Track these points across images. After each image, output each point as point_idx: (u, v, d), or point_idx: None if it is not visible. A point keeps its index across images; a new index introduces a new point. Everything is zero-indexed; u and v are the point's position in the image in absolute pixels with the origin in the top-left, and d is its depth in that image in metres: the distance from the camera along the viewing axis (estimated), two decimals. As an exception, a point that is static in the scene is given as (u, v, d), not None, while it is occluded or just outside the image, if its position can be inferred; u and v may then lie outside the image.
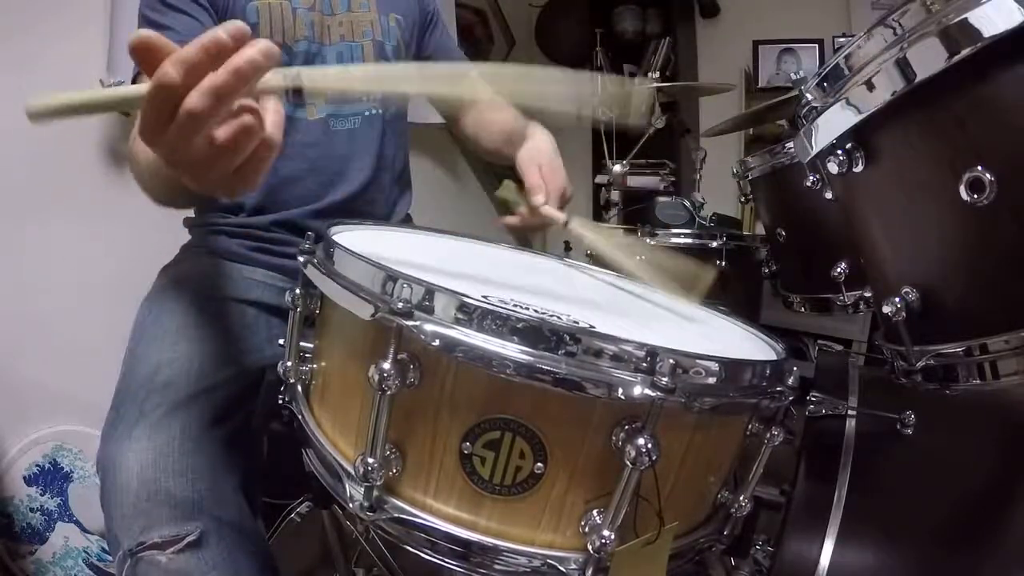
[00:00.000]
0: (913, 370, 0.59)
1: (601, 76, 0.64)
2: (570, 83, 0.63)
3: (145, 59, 0.42)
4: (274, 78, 0.48)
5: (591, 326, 0.54)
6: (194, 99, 0.41)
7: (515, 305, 0.55)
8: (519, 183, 0.95)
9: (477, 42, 2.88)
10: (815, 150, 0.61)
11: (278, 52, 0.45)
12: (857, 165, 0.57)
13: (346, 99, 0.63)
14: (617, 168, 1.86)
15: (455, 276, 0.69)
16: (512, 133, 1.04)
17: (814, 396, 0.82)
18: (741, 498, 0.61)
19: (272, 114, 0.47)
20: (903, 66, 0.50)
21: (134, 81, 0.88)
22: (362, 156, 0.99)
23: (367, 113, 1.00)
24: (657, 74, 1.79)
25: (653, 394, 0.46)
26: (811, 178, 0.66)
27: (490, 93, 0.64)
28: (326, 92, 0.54)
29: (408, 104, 1.10)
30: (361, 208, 0.98)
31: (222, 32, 0.42)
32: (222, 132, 0.43)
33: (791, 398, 0.57)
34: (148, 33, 0.42)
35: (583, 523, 0.52)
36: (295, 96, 0.50)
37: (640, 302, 0.85)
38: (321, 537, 1.11)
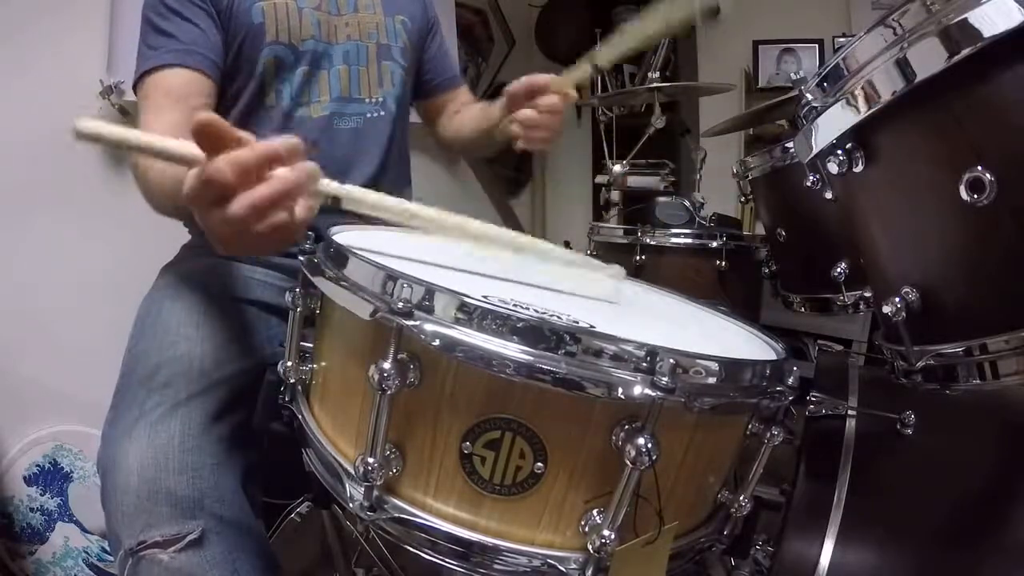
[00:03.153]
0: (913, 370, 0.59)
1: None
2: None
3: (204, 142, 0.48)
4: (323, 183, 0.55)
5: (591, 326, 0.54)
6: (237, 209, 0.47)
7: (515, 305, 0.55)
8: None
9: (477, 42, 2.88)
10: (815, 150, 0.61)
11: (319, 172, 0.53)
12: (857, 165, 0.57)
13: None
14: (617, 168, 1.86)
15: (455, 276, 0.69)
16: (484, 109, 1.10)
17: (814, 396, 0.82)
18: (741, 498, 0.61)
19: (303, 210, 0.52)
20: (903, 66, 0.50)
21: (134, 87, 0.87)
22: (366, 155, 0.99)
23: (370, 114, 1.00)
24: (657, 74, 1.79)
25: (653, 394, 0.46)
26: (811, 178, 0.66)
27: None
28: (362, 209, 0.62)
29: (408, 104, 1.10)
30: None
31: (279, 146, 0.49)
32: (260, 226, 0.49)
33: (791, 398, 0.57)
34: (212, 118, 0.47)
35: (583, 523, 0.52)
36: (333, 202, 0.58)
37: (640, 302, 0.84)
38: (321, 537, 1.11)
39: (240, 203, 0.48)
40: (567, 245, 2.08)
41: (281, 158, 0.49)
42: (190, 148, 0.49)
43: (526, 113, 0.93)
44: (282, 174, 0.50)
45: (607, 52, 0.86)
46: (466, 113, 1.17)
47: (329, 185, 0.57)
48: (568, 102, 0.93)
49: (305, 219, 0.53)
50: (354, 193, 0.59)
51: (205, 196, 0.48)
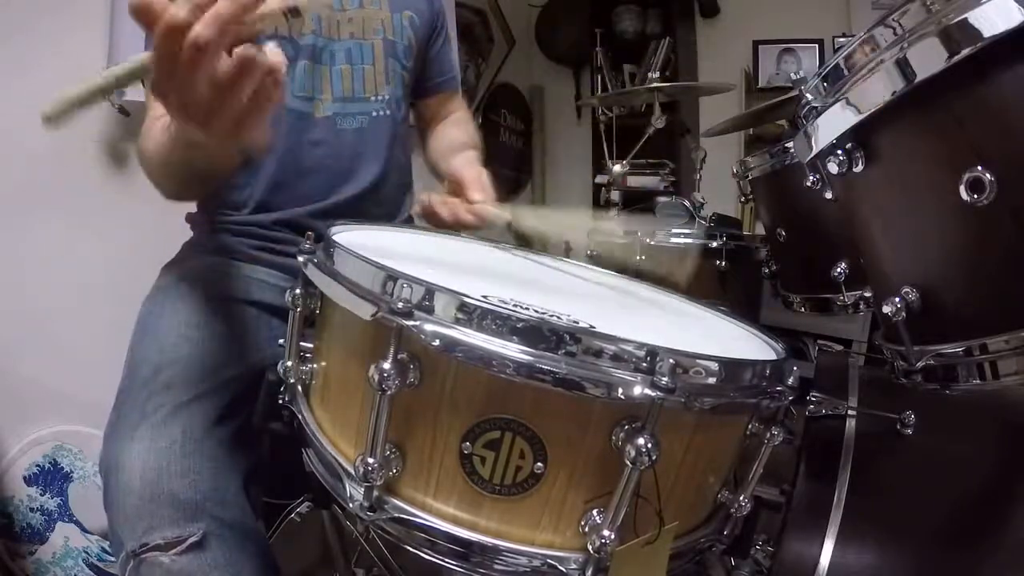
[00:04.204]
0: (913, 370, 0.59)
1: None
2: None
3: (148, 19, 0.45)
4: (272, 2, 0.50)
5: (591, 326, 0.54)
6: (198, 29, 0.44)
7: (515, 305, 0.55)
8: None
9: (477, 42, 2.88)
10: (815, 150, 0.61)
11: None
12: (857, 165, 0.57)
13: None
14: (617, 168, 1.87)
15: (455, 276, 0.69)
16: (454, 144, 1.09)
17: (814, 396, 0.82)
18: (741, 498, 0.61)
19: (272, 51, 0.49)
20: (903, 66, 0.50)
21: (141, 81, 0.87)
22: (370, 156, 0.99)
23: (375, 113, 0.99)
24: (657, 74, 1.79)
25: (653, 394, 0.46)
26: (811, 178, 0.66)
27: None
28: (319, 7, 0.58)
29: (408, 105, 1.10)
30: (367, 209, 0.98)
31: None
32: (224, 65, 0.46)
33: (791, 398, 0.57)
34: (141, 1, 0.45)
35: (583, 523, 0.52)
36: (293, 15, 0.52)
37: (640, 302, 0.85)
38: (321, 537, 1.11)
39: (202, 22, 0.44)
40: (567, 246, 2.08)
41: None
42: (142, 55, 0.48)
43: (434, 203, 0.89)
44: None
45: (526, 219, 0.84)
46: (445, 132, 1.15)
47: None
48: (478, 224, 0.88)
49: (275, 58, 0.49)
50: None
51: (170, 59, 0.46)
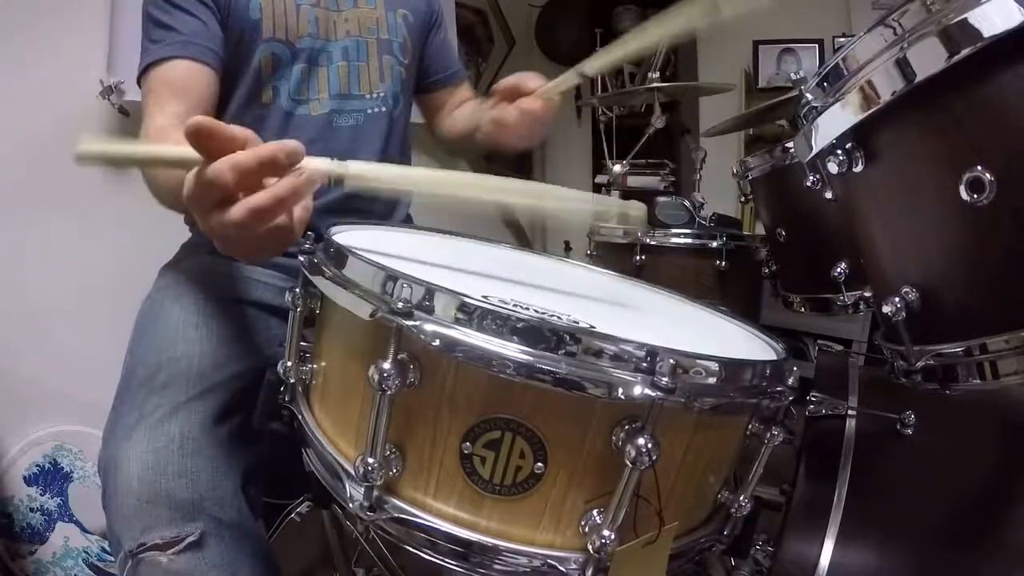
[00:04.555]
0: (913, 370, 0.59)
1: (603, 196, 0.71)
2: (580, 201, 0.73)
3: (199, 144, 0.48)
4: (320, 163, 0.56)
5: (591, 326, 0.54)
6: (237, 214, 0.48)
7: (515, 305, 0.55)
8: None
9: (477, 42, 2.88)
10: (815, 150, 0.61)
11: (319, 179, 0.54)
12: (857, 165, 0.57)
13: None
14: (617, 168, 1.86)
15: (455, 276, 0.69)
16: (477, 106, 1.10)
17: (814, 396, 0.82)
18: (741, 498, 0.61)
19: (300, 211, 0.53)
20: (903, 66, 0.50)
21: (138, 82, 0.88)
22: (366, 153, 0.99)
23: (370, 111, 0.99)
24: (657, 74, 1.79)
25: (653, 394, 0.46)
26: (811, 178, 0.66)
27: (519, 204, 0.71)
28: (367, 184, 0.63)
29: (409, 101, 1.10)
30: (363, 206, 0.98)
31: (281, 151, 0.49)
32: (259, 230, 0.50)
33: (791, 398, 0.57)
34: (203, 120, 0.48)
35: (583, 523, 0.52)
36: (335, 184, 0.58)
37: (640, 302, 0.85)
38: (321, 537, 1.11)
39: (240, 209, 0.48)
40: (567, 245, 2.08)
41: (281, 163, 0.50)
42: (189, 151, 0.49)
43: (502, 111, 0.93)
44: (282, 182, 0.50)
45: (596, 62, 0.86)
46: (462, 111, 1.16)
47: (331, 164, 0.58)
48: (549, 110, 0.92)
49: (303, 220, 0.53)
50: (354, 168, 0.59)
51: (206, 199, 0.49)
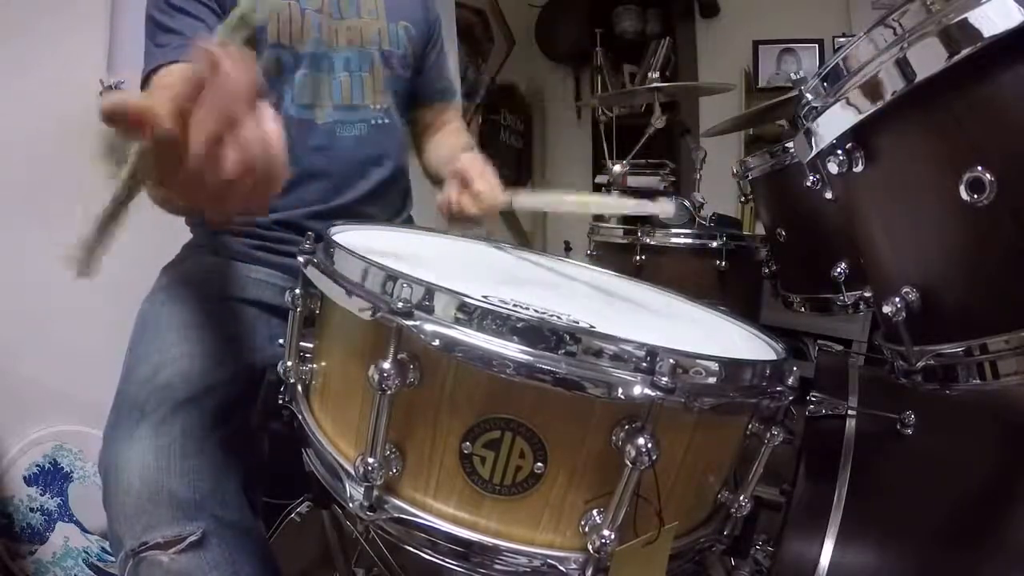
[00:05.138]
0: (913, 370, 0.59)
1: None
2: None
3: (129, 124, 0.42)
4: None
5: (591, 326, 0.54)
6: (193, 153, 0.41)
7: (515, 305, 0.55)
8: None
9: (477, 42, 2.88)
10: (815, 150, 0.61)
11: (253, 67, 0.44)
12: (857, 165, 0.57)
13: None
14: (617, 168, 1.86)
15: (455, 276, 0.69)
16: (454, 151, 1.07)
17: (814, 396, 0.82)
18: (741, 498, 0.61)
19: (269, 121, 0.45)
20: (903, 66, 0.50)
21: (142, 86, 0.87)
22: (370, 164, 0.99)
23: (373, 121, 1.00)
24: (657, 74, 1.79)
25: (653, 394, 0.46)
26: (811, 178, 0.66)
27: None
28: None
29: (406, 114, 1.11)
30: (367, 212, 0.99)
31: (197, 68, 0.42)
32: (231, 167, 0.42)
33: (791, 398, 0.57)
34: (115, 100, 0.41)
35: (583, 523, 0.52)
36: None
37: (641, 302, 0.85)
38: (321, 537, 1.11)
39: (194, 146, 0.42)
40: (567, 246, 2.08)
41: (204, 78, 0.42)
42: (133, 153, 0.45)
43: (446, 196, 0.92)
44: (215, 93, 0.42)
45: (528, 200, 0.88)
46: (445, 139, 1.15)
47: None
48: (482, 216, 0.91)
49: (275, 132, 0.46)
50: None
51: (168, 166, 0.43)
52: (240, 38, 0.48)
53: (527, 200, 0.87)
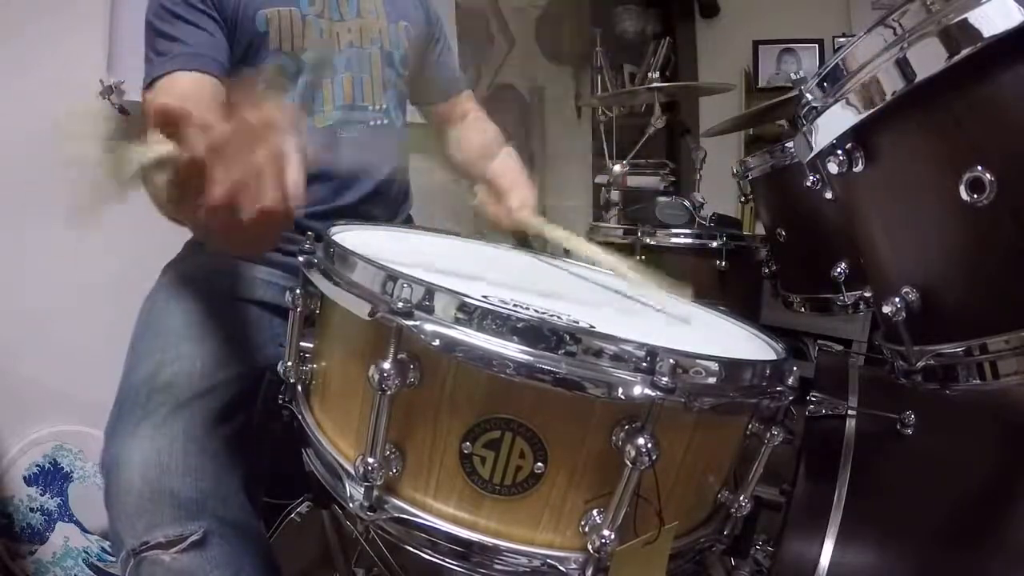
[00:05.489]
0: (913, 370, 0.59)
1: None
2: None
3: (168, 126, 0.45)
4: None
5: (591, 326, 0.54)
6: (216, 190, 0.44)
7: (515, 305, 0.55)
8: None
9: (477, 42, 2.88)
10: (815, 150, 0.61)
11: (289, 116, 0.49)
12: (857, 165, 0.57)
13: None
14: (617, 168, 1.86)
15: (455, 276, 0.69)
16: (486, 148, 1.10)
17: (814, 396, 0.82)
18: (741, 498, 0.61)
19: (293, 172, 0.48)
20: (903, 66, 0.50)
21: (143, 94, 0.87)
22: (371, 164, 0.99)
23: (373, 123, 1.00)
24: (657, 74, 1.79)
25: (653, 394, 0.46)
26: (811, 178, 0.66)
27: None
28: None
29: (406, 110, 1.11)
30: (367, 212, 0.99)
31: (251, 112, 0.45)
32: (246, 213, 0.45)
33: (791, 398, 0.57)
34: (170, 104, 0.45)
35: (583, 523, 0.52)
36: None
37: (640, 302, 0.84)
38: (321, 537, 1.11)
39: (218, 186, 0.45)
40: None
41: (252, 123, 0.46)
42: (169, 150, 0.46)
43: (486, 206, 0.96)
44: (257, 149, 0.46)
45: (557, 234, 0.89)
46: (475, 131, 1.17)
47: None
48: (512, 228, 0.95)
49: (296, 183, 0.48)
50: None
51: (186, 186, 0.46)
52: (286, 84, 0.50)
53: (557, 234, 0.88)
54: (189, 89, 0.84)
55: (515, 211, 0.91)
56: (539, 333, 0.48)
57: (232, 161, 0.44)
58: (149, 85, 0.85)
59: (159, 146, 0.46)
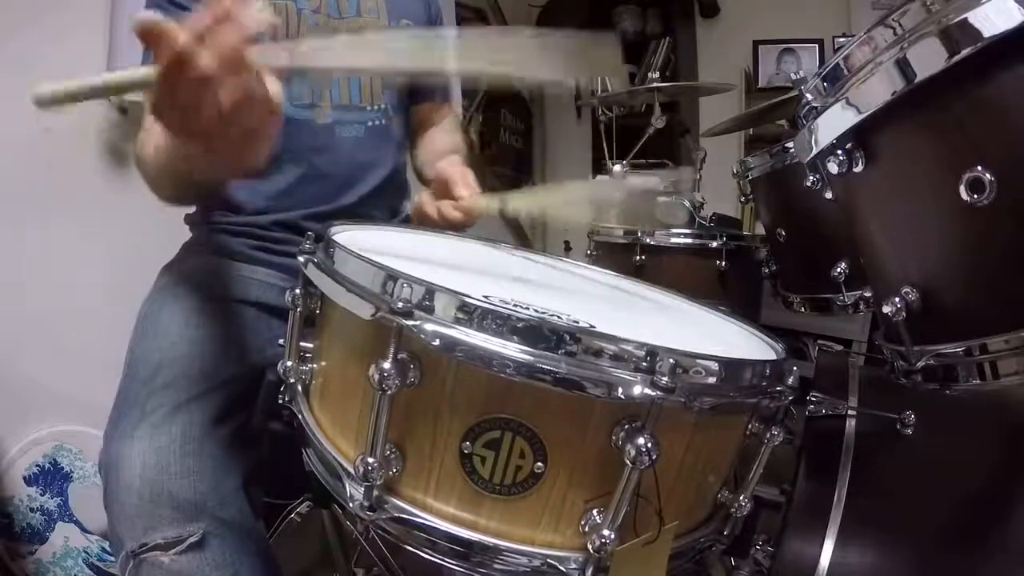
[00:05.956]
0: (913, 370, 0.59)
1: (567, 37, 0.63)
2: (542, 48, 0.61)
3: (151, 40, 0.47)
4: (272, 51, 0.53)
5: (591, 325, 0.54)
6: (204, 60, 0.46)
7: (515, 305, 0.55)
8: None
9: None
10: (815, 150, 0.61)
11: (273, 19, 0.51)
12: (857, 165, 0.57)
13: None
14: (617, 168, 1.86)
15: (455, 276, 0.69)
16: (437, 155, 1.09)
17: (814, 396, 0.82)
18: (741, 498, 0.61)
19: (271, 82, 0.51)
20: (903, 66, 0.50)
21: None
22: (369, 165, 0.99)
23: (371, 123, 1.00)
24: (657, 74, 1.79)
25: (653, 393, 0.46)
26: (811, 178, 0.66)
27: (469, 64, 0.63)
28: (321, 69, 0.63)
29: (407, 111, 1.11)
30: (366, 213, 0.99)
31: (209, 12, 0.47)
32: (227, 95, 0.47)
33: (791, 398, 0.57)
34: (151, 17, 0.47)
35: (583, 523, 0.52)
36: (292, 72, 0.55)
37: (640, 302, 0.85)
38: (321, 537, 1.11)
39: (208, 53, 0.46)
40: (567, 245, 2.08)
41: (231, 11, 0.48)
42: (143, 69, 0.49)
43: (426, 203, 0.92)
44: (237, 22, 0.48)
45: (520, 202, 0.84)
46: (432, 140, 1.15)
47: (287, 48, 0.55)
48: (467, 220, 0.90)
49: (275, 94, 0.51)
50: (314, 51, 0.56)
51: (173, 83, 0.47)
52: None
53: (521, 202, 0.85)
54: None
55: (463, 200, 0.87)
56: (539, 333, 0.48)
57: (212, 49, 0.46)
58: None
59: (138, 69, 0.49)
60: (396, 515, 0.53)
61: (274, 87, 0.52)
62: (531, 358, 0.47)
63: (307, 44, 0.55)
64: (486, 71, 0.58)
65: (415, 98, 1.15)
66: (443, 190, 0.90)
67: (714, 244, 1.44)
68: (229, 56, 0.47)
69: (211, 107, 0.48)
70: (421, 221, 0.93)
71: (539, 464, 0.50)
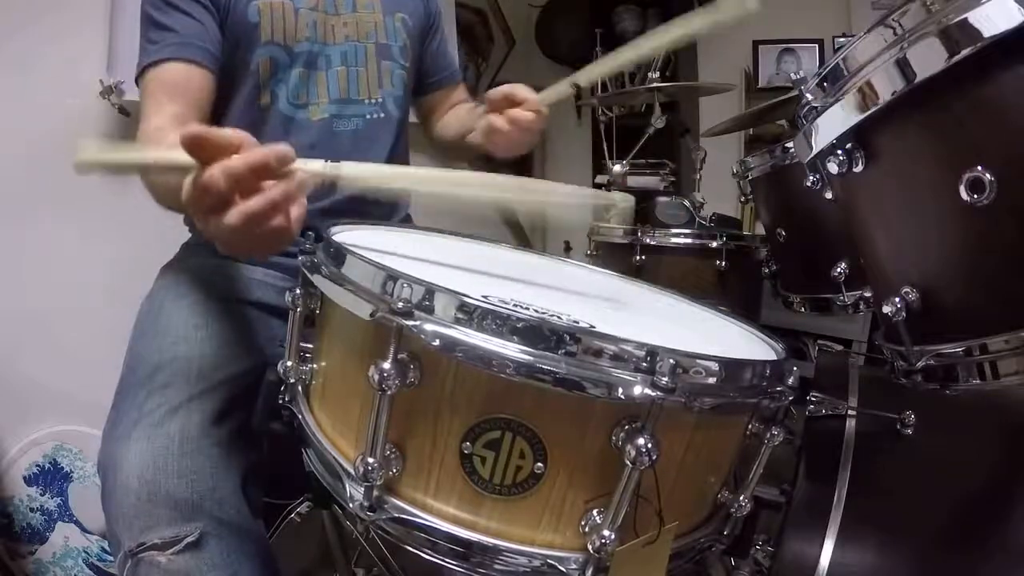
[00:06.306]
0: (913, 370, 0.59)
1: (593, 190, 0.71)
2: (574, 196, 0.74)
3: (195, 152, 0.50)
4: (314, 165, 0.58)
5: (591, 326, 0.54)
6: (232, 219, 0.50)
7: (515, 305, 0.55)
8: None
9: (477, 42, 2.88)
10: (815, 150, 0.61)
11: (312, 182, 0.56)
12: (857, 165, 0.57)
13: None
14: (617, 168, 1.86)
15: (455, 276, 0.69)
16: (470, 111, 1.12)
17: (814, 396, 0.82)
18: (741, 498, 0.61)
19: (297, 209, 0.54)
20: (903, 66, 0.50)
21: (136, 82, 0.88)
22: (367, 158, 0.99)
23: (369, 116, 1.00)
24: (657, 74, 1.79)
25: (653, 394, 0.46)
26: (811, 178, 0.66)
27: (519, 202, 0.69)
28: (362, 185, 0.66)
29: (408, 105, 1.11)
30: (365, 208, 0.98)
31: (272, 156, 0.51)
32: (256, 231, 0.52)
33: (791, 398, 0.57)
34: (198, 131, 0.50)
35: (583, 523, 0.52)
36: (329, 186, 0.61)
37: (640, 302, 0.85)
38: (321, 537, 1.11)
39: (236, 214, 0.50)
40: (567, 245, 2.08)
41: (272, 167, 0.51)
42: (186, 156, 0.50)
43: (493, 120, 0.93)
44: (276, 187, 0.52)
45: (590, 72, 0.86)
46: (455, 114, 1.17)
47: (324, 167, 0.60)
48: (538, 121, 0.92)
49: (300, 218, 0.54)
50: (347, 170, 0.61)
51: (202, 203, 0.51)
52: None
53: (593, 72, 0.86)
54: (179, 78, 0.85)
55: (530, 99, 0.89)
56: (539, 333, 0.48)
57: (246, 191, 0.50)
58: (141, 73, 0.86)
59: (183, 154, 0.50)
60: (396, 515, 0.53)
61: (297, 211, 0.54)
62: (531, 358, 0.47)
63: (346, 168, 0.60)
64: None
65: (425, 89, 1.16)
66: (503, 105, 0.92)
67: (714, 244, 1.44)
68: (255, 219, 0.51)
69: (239, 214, 0.50)
70: (492, 142, 0.95)
71: (539, 464, 0.50)
